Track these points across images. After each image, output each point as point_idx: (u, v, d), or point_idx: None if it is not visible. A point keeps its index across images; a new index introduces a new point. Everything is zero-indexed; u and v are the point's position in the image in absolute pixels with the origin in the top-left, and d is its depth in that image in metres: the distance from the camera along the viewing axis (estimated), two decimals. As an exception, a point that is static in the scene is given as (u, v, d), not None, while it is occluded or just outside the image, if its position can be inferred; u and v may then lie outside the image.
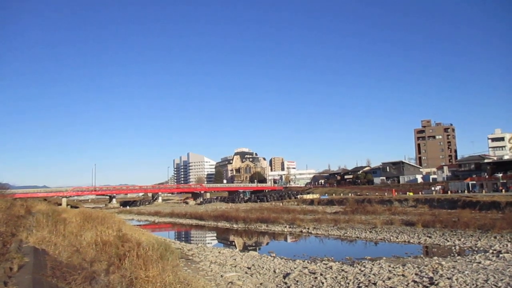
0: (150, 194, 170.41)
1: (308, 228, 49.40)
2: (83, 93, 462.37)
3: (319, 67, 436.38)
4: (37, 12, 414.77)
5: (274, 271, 23.19)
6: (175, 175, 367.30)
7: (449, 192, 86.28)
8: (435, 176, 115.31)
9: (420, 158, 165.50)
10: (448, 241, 34.86)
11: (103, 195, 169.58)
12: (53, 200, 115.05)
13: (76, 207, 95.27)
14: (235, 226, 60.21)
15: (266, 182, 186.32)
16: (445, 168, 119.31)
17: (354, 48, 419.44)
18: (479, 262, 23.51)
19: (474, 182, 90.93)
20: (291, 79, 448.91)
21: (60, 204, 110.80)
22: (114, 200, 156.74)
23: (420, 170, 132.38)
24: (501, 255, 25.80)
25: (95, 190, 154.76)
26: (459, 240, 34.62)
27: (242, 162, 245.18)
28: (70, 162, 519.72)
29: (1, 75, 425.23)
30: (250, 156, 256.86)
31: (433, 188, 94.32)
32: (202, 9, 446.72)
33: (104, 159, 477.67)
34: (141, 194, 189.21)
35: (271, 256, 30.50)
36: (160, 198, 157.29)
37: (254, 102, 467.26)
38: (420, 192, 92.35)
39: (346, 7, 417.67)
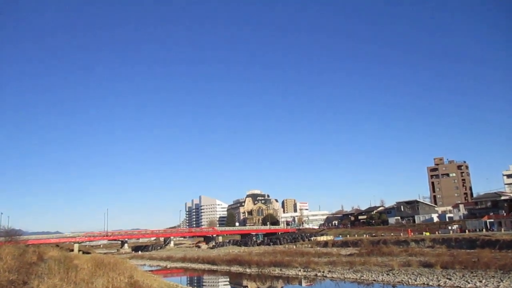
0: (162, 239, 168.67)
1: (323, 272, 48.22)
2: (96, 138, 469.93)
3: (331, 106, 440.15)
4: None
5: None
6: (187, 218, 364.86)
7: (466, 231, 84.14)
8: (451, 215, 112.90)
9: (434, 196, 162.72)
10: (469, 283, 33.67)
11: (115, 240, 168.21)
12: (65, 246, 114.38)
13: (88, 253, 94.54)
14: (248, 270, 58.99)
15: (278, 224, 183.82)
16: (461, 206, 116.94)
17: (363, 87, 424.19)
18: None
19: (492, 220, 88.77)
20: (302, 119, 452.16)
21: (72, 250, 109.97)
22: (126, 245, 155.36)
23: (436, 209, 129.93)
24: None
25: (107, 235, 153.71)
26: (481, 281, 33.40)
27: (254, 204, 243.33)
28: (83, 206, 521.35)
29: (16, 129, 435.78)
30: (262, 198, 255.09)
31: (450, 228, 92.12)
32: (208, 39, 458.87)
33: (116, 203, 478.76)
34: (153, 238, 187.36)
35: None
36: (172, 242, 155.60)
37: (264, 143, 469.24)
38: (436, 232, 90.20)
39: (351, 49, 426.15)
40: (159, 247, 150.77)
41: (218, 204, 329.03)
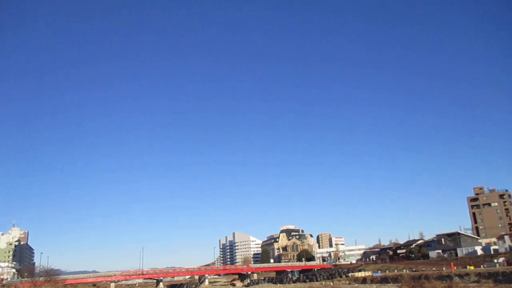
0: (196, 277, 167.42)
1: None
2: (131, 175, 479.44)
3: (365, 141, 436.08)
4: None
5: None
6: (221, 255, 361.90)
7: (514, 264, 79.83)
8: (496, 247, 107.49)
9: (477, 227, 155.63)
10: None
11: (150, 278, 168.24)
12: (102, 285, 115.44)
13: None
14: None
15: (314, 260, 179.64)
16: (506, 237, 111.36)
17: (396, 120, 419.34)
18: None
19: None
20: (334, 153, 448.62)
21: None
22: (161, 283, 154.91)
23: (479, 241, 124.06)
24: None
25: (142, 274, 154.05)
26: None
27: (289, 240, 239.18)
28: (119, 245, 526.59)
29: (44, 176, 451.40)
30: (296, 233, 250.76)
31: (495, 260, 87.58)
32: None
33: (152, 242, 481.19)
34: (187, 277, 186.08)
35: None
36: (206, 280, 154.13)
37: (298, 178, 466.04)
38: (481, 265, 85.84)
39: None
40: (193, 286, 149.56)
41: (252, 241, 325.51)
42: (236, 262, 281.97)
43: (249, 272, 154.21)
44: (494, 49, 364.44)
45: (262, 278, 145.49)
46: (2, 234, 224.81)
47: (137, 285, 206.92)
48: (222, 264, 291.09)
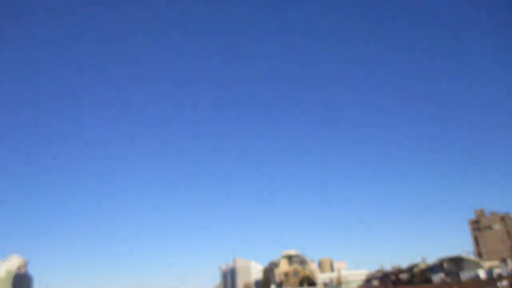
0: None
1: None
2: (128, 206, 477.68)
3: (365, 163, 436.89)
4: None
5: None
6: (223, 281, 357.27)
7: (517, 287, 79.64)
8: (499, 270, 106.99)
9: (479, 251, 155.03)
10: None
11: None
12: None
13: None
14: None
15: (315, 285, 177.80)
16: (509, 261, 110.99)
17: (395, 143, 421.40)
18: None
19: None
20: (335, 176, 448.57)
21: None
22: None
23: (481, 264, 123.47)
24: None
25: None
26: None
27: (290, 265, 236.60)
28: (120, 272, 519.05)
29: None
30: (298, 258, 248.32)
31: (498, 284, 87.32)
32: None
33: (152, 268, 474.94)
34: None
35: None
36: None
37: (300, 204, 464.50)
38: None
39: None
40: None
41: (253, 266, 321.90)
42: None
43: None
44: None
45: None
46: (3, 262, 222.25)
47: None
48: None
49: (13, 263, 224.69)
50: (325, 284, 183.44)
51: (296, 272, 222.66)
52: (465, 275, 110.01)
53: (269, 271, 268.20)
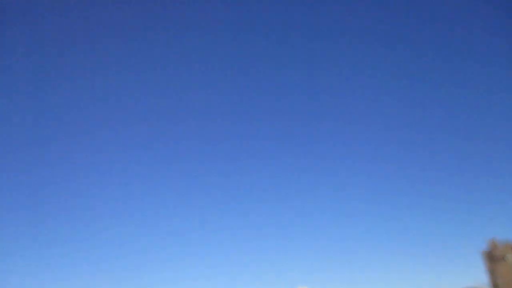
0: None
1: None
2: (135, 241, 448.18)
3: (376, 194, 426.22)
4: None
5: None
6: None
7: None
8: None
9: (495, 282, 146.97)
10: None
11: None
12: None
13: None
14: None
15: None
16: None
17: (402, 175, 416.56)
18: None
19: None
20: (339, 205, 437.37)
21: None
22: None
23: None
24: None
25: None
26: None
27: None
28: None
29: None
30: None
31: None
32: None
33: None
34: None
35: None
36: None
37: (310, 239, 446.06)
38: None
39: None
40: None
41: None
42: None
43: None
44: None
45: None
46: None
47: None
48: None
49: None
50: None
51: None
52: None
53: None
